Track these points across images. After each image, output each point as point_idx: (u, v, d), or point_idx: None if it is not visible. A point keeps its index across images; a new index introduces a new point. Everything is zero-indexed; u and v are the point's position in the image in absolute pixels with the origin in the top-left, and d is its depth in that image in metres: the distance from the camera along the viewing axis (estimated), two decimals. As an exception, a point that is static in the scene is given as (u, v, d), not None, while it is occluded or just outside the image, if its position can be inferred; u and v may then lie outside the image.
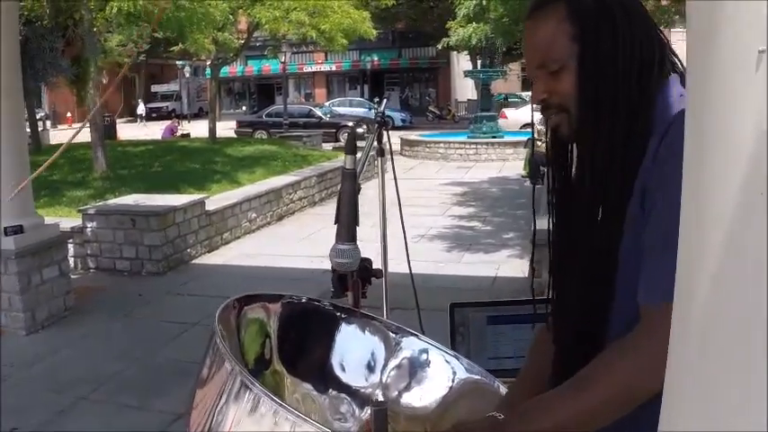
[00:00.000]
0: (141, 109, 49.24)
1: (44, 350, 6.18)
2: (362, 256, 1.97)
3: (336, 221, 1.70)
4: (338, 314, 2.12)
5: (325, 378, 2.04)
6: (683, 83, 1.53)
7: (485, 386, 1.98)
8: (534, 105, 1.64)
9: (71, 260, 8.74)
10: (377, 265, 2.37)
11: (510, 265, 8.69)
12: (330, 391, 2.04)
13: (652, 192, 1.41)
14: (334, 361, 2.07)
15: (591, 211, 1.52)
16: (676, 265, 1.36)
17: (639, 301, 1.41)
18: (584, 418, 1.43)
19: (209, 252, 10.12)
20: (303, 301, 2.09)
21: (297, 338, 2.05)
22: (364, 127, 2.51)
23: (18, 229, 6.41)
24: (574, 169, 1.63)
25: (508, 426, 1.48)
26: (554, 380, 1.67)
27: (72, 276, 8.17)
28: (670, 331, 0.80)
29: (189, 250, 9.65)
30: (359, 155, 1.98)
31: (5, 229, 6.35)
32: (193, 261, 9.65)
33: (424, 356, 2.09)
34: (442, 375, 2.04)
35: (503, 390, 1.95)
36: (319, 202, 14.67)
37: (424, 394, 2.03)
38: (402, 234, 2.57)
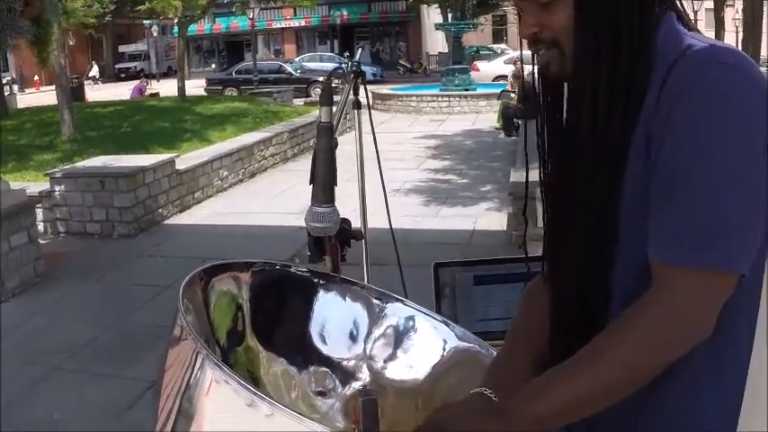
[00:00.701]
0: (95, 71, 48.36)
1: (15, 320, 5.98)
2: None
3: (312, 181, 1.52)
4: (316, 280, 1.96)
5: (304, 351, 1.88)
6: (680, 22, 1.38)
7: (479, 355, 1.81)
8: (522, 41, 1.46)
9: (41, 225, 8.54)
10: (355, 224, 2.21)
11: (488, 218, 8.56)
12: (310, 365, 1.88)
13: (657, 140, 1.27)
14: (314, 332, 1.91)
15: (590, 160, 1.35)
16: (685, 218, 1.23)
17: (650, 256, 1.27)
18: (597, 395, 1.29)
19: (180, 212, 9.91)
20: (277, 267, 1.92)
21: (272, 309, 1.88)
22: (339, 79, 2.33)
23: (-18, 197, 6.22)
24: (565, 114, 1.47)
25: (510, 409, 1.32)
26: (554, 344, 1.52)
27: (42, 242, 7.97)
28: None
29: (160, 211, 9.45)
30: (335, 108, 1.80)
31: (-30, 197, 6.14)
32: (165, 222, 9.45)
33: (410, 324, 1.93)
34: (431, 344, 1.88)
35: (494, 353, 1.79)
36: (292, 158, 14.42)
37: (413, 365, 1.88)
38: (382, 188, 2.40)
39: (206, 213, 9.95)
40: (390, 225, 2.44)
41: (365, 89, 2.25)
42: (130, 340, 5.44)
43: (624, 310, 1.29)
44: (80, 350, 5.24)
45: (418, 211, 9.39)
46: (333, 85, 1.77)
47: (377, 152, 2.34)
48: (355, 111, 2.32)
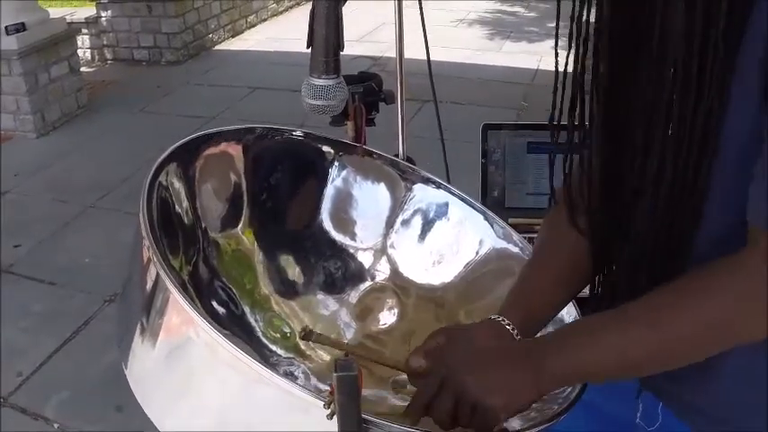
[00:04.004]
0: None
1: (54, 154, 5.76)
2: (372, 54, 1.45)
3: (309, 44, 1.16)
4: (332, 151, 1.64)
5: (313, 237, 1.60)
6: None
7: (520, 260, 1.48)
8: None
9: (87, 52, 8.25)
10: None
11: (554, 57, 7.99)
12: (320, 254, 1.59)
13: None
14: (326, 214, 1.62)
15: (681, 66, 0.95)
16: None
17: (750, 220, 0.94)
18: (652, 357, 1.01)
19: (232, 37, 9.49)
20: (284, 135, 1.60)
21: (275, 187, 1.58)
22: None
23: (20, 27, 5.84)
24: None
25: (540, 358, 1.04)
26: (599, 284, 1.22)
27: (88, 70, 7.69)
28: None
29: (210, 36, 9.06)
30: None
31: (6, 27, 5.76)
32: (215, 48, 9.06)
33: (442, 211, 1.62)
34: (464, 240, 1.57)
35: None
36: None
37: (440, 262, 1.57)
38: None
39: (258, 39, 9.50)
40: (429, 67, 2.07)
41: None
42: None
43: (707, 267, 0.98)
44: (116, 187, 5.04)
45: (480, 45, 8.84)
46: None
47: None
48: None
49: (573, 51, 1.10)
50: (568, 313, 1.33)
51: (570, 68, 1.13)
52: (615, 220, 1.11)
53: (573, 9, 1.07)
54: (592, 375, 1.07)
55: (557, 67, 1.15)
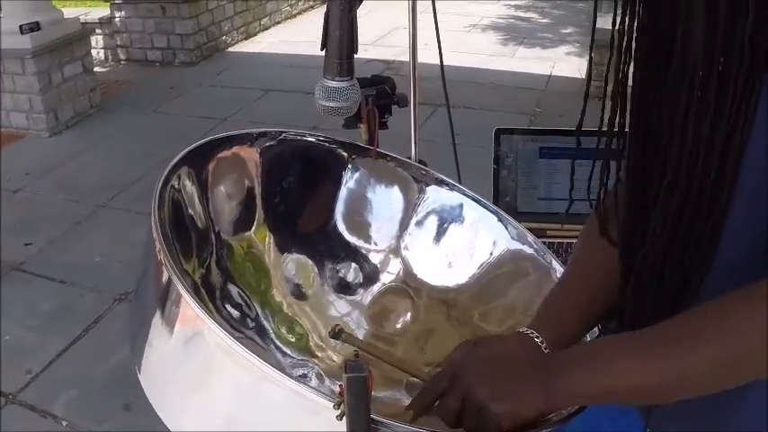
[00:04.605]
0: None
1: (66, 153, 5.78)
2: (385, 58, 1.44)
3: (323, 47, 1.16)
4: (346, 154, 1.64)
5: (327, 239, 1.60)
6: None
7: (535, 263, 1.49)
8: None
9: (101, 53, 8.29)
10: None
11: (567, 63, 7.97)
12: (333, 256, 1.59)
13: None
14: (340, 217, 1.62)
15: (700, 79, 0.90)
16: None
17: None
18: (667, 385, 0.97)
19: (245, 39, 9.51)
20: (297, 138, 1.60)
21: (289, 189, 1.58)
22: None
23: (34, 26, 5.86)
24: None
25: (552, 371, 1.02)
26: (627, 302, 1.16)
27: (101, 70, 7.72)
28: None
29: (224, 38, 9.08)
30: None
31: (20, 27, 5.80)
32: (229, 49, 9.08)
33: (456, 213, 1.62)
34: (478, 241, 1.56)
35: (557, 267, 1.46)
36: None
37: (453, 264, 1.57)
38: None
39: (271, 41, 9.52)
40: (442, 68, 2.07)
41: None
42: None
43: (727, 297, 0.94)
44: (128, 187, 5.04)
45: (493, 50, 8.83)
46: None
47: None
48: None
49: (614, 58, 1.06)
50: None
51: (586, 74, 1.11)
52: (638, 235, 1.09)
53: (614, 16, 1.04)
54: (603, 397, 1.04)
55: (606, 74, 1.11)
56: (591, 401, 1.06)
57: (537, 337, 1.13)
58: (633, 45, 1.02)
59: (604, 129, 1.11)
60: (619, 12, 1.01)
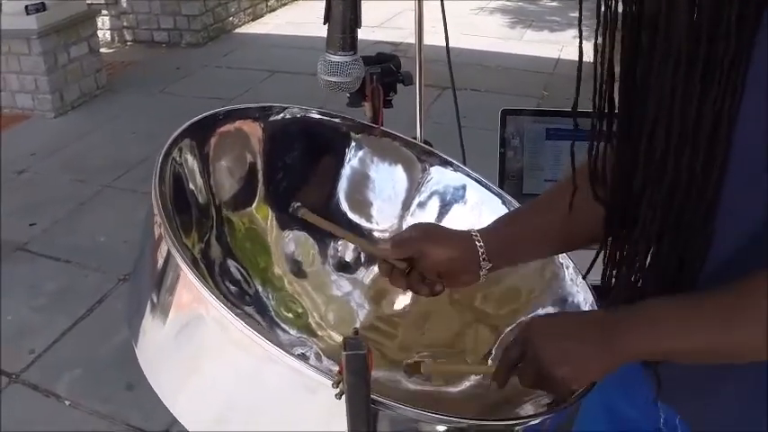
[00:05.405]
0: None
1: (71, 134, 5.78)
2: (392, 40, 1.42)
3: (326, 20, 1.14)
4: (350, 132, 1.62)
5: (329, 217, 1.56)
6: None
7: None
8: None
9: (107, 33, 8.26)
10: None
11: (575, 47, 7.90)
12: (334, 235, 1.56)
13: None
14: (342, 195, 1.59)
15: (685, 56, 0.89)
16: None
17: None
18: (724, 352, 0.98)
19: (252, 20, 9.48)
20: (301, 115, 1.57)
21: (291, 166, 1.55)
22: None
23: (40, 7, 5.84)
24: None
25: (609, 327, 1.03)
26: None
27: (108, 51, 7.70)
28: None
29: (231, 19, 9.04)
30: None
31: (26, 7, 5.78)
32: (235, 30, 9.05)
33: (459, 194, 1.60)
34: (481, 223, 1.53)
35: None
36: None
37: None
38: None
39: (278, 23, 9.48)
40: (448, 52, 2.04)
41: None
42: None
43: None
44: (133, 167, 5.03)
45: (501, 33, 8.78)
46: None
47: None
48: None
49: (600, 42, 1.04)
50: (585, 300, 1.31)
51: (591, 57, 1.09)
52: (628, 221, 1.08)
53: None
54: (661, 356, 1.03)
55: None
56: (650, 359, 1.06)
57: (479, 241, 1.21)
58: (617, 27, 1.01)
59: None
60: None
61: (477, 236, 1.24)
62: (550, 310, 1.37)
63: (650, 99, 0.96)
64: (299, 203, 1.35)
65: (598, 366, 1.02)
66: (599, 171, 1.11)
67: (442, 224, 1.55)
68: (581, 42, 1.12)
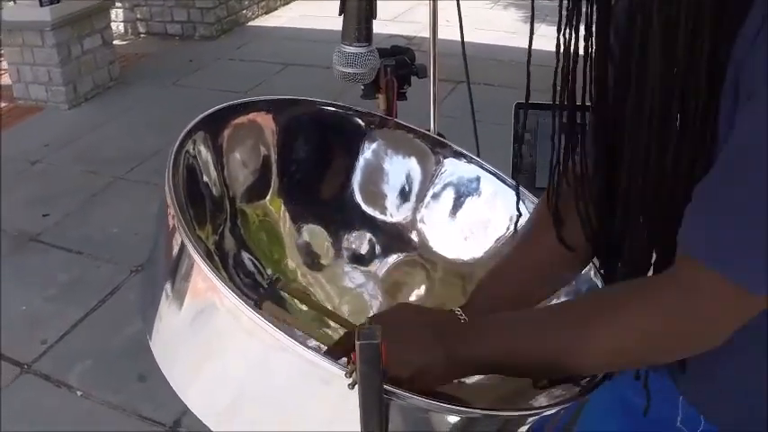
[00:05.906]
0: None
1: (85, 126, 5.80)
2: (406, 34, 1.42)
3: (341, 12, 1.13)
4: (364, 124, 1.61)
5: (343, 209, 1.57)
6: None
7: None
8: None
9: (121, 26, 8.26)
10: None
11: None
12: (349, 226, 1.57)
13: (746, 89, 0.86)
14: (356, 187, 1.59)
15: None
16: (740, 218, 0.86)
17: (682, 241, 0.94)
18: (563, 366, 1.02)
19: (266, 13, 9.48)
20: (315, 107, 1.57)
21: (306, 158, 1.55)
22: None
23: (54, -1, 5.93)
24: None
25: (451, 336, 1.05)
26: None
27: (121, 43, 7.70)
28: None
29: (245, 12, 9.05)
30: None
31: None
32: (249, 23, 9.05)
33: (473, 186, 1.59)
34: (495, 215, 1.54)
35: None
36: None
37: (469, 238, 1.54)
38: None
39: (291, 16, 9.48)
40: (463, 47, 2.04)
41: None
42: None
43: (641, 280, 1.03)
44: (146, 159, 5.04)
45: (515, 28, 8.76)
46: None
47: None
48: None
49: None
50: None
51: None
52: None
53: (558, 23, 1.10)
54: (505, 370, 1.07)
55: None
56: (496, 373, 1.10)
57: (461, 315, 1.14)
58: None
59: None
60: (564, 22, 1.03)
61: (459, 312, 1.16)
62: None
63: (623, 145, 1.03)
64: (277, 275, 1.36)
65: (440, 372, 1.03)
66: (559, 212, 1.17)
67: (456, 217, 1.55)
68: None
